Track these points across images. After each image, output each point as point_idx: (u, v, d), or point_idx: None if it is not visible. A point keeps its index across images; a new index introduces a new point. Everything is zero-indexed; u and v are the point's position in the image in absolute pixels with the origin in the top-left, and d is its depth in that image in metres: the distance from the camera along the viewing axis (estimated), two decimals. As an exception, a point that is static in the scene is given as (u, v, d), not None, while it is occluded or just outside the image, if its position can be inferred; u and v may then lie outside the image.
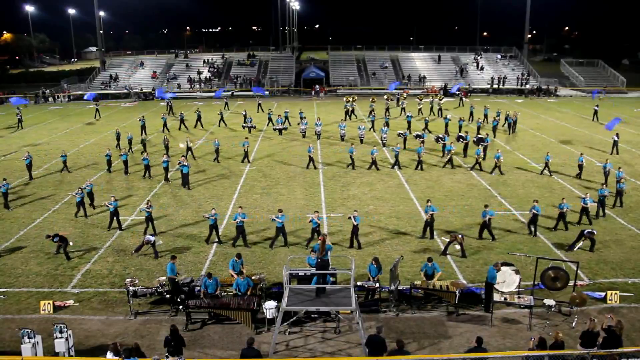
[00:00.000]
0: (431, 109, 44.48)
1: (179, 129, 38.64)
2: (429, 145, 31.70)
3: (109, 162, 27.41)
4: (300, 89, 63.60)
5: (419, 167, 27.34)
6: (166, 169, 25.84)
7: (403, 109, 42.57)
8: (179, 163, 25.18)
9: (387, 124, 35.55)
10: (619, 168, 23.06)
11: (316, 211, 18.81)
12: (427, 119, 39.53)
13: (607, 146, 31.52)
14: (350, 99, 43.68)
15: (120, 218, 19.79)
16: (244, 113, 39.70)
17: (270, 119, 39.92)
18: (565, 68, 70.19)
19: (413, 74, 66.44)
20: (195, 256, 17.45)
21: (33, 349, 11.53)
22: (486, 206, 18.63)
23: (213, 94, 61.18)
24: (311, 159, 27.68)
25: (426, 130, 35.35)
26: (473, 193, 23.63)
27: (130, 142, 31.88)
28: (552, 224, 19.49)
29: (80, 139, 36.69)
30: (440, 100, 45.52)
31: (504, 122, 37.78)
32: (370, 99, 46.56)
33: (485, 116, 39.14)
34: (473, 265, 16.58)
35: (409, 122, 36.58)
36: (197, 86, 64.96)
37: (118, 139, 32.93)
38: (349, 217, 17.96)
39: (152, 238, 17.47)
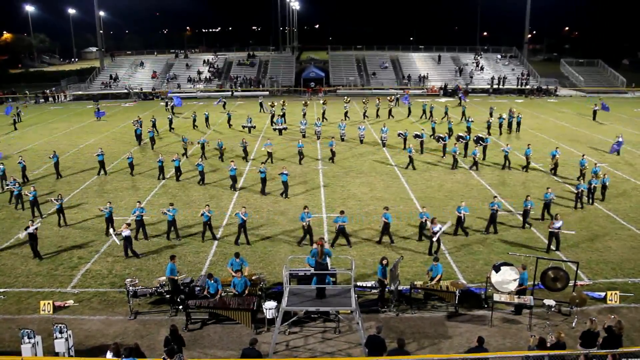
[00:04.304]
0: (377, 111, 44.10)
1: (169, 130, 38.66)
2: (430, 145, 31.80)
3: (161, 169, 26.22)
4: (300, 88, 63.63)
5: (456, 166, 27.58)
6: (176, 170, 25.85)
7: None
8: (280, 174, 23.42)
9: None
10: (596, 164, 24.28)
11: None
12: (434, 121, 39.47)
13: (607, 146, 31.50)
14: (269, 105, 43.69)
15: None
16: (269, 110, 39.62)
17: (250, 121, 39.76)
18: (565, 68, 70.14)
19: (413, 74, 66.50)
20: (195, 256, 17.45)
21: (33, 349, 11.53)
22: (495, 197, 19.24)
23: (213, 93, 61.32)
24: (411, 160, 27.62)
25: (423, 130, 35.32)
26: (473, 193, 23.62)
27: (203, 147, 30.16)
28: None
29: (81, 139, 36.68)
30: (391, 102, 45.63)
31: (507, 120, 38.08)
32: (364, 100, 46.56)
33: (491, 114, 39.16)
34: (473, 265, 16.58)
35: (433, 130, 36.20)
36: (201, 85, 65.01)
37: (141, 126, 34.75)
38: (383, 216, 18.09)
39: (127, 232, 17.08)
